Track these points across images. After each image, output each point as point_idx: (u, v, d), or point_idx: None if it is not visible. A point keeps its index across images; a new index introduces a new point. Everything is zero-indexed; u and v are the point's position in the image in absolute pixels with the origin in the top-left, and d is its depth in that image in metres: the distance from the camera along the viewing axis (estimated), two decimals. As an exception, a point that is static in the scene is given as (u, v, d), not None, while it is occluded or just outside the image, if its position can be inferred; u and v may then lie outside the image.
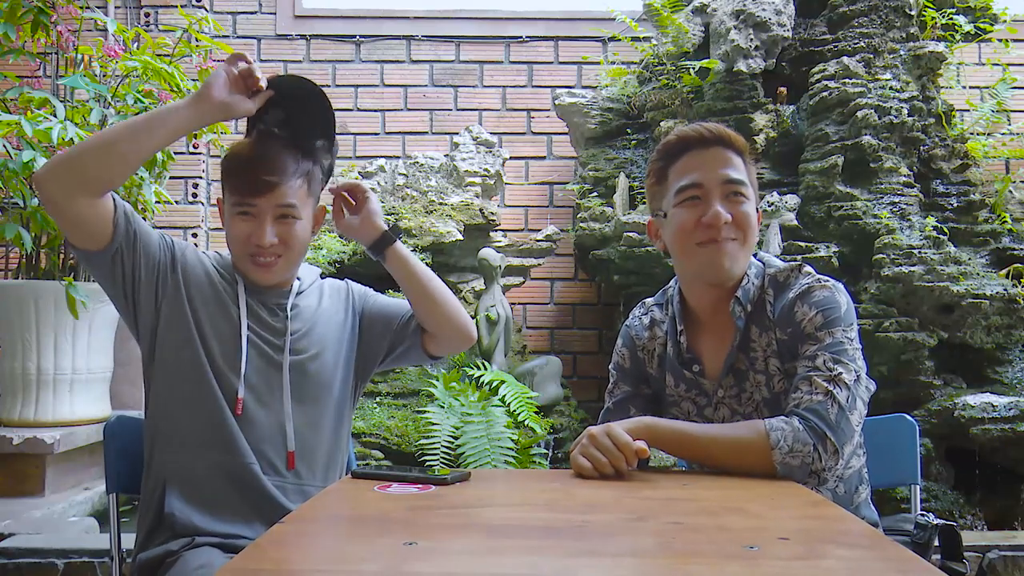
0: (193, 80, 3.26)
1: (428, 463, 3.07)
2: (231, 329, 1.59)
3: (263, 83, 1.49)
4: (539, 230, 4.19)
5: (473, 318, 3.66)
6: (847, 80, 3.55)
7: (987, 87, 4.31)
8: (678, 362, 1.54)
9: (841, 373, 1.34)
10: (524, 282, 4.17)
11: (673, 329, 1.55)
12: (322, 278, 1.78)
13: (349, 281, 1.80)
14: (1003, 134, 4.27)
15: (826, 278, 1.45)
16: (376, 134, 4.64)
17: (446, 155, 4.13)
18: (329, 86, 4.60)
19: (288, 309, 1.64)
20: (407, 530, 0.99)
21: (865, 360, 1.41)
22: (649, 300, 1.67)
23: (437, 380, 3.45)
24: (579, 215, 3.96)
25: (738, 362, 1.48)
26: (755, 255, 1.54)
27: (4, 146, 2.79)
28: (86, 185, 1.42)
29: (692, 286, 1.54)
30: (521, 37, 4.63)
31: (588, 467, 1.30)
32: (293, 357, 1.61)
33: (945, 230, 3.38)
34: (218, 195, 1.64)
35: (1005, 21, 3.97)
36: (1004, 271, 3.39)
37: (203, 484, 1.53)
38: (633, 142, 4.07)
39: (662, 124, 3.84)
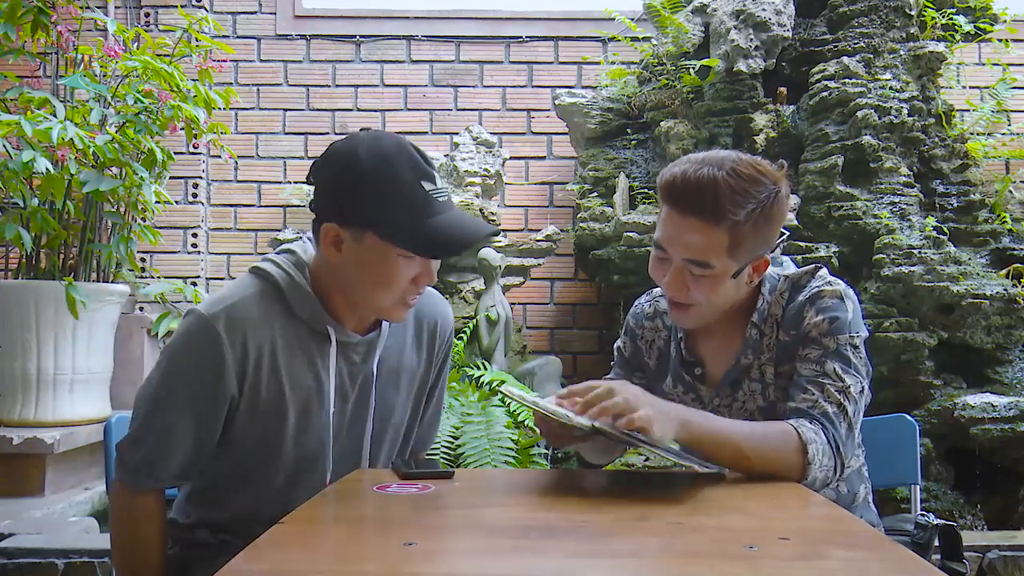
0: (193, 80, 3.26)
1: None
2: (314, 390, 1.37)
3: None
4: (539, 230, 4.18)
5: (473, 318, 3.71)
6: (847, 80, 3.55)
7: (987, 87, 4.31)
8: (679, 363, 1.53)
9: (850, 386, 1.34)
10: (524, 282, 4.16)
11: (675, 329, 1.54)
12: None
13: (440, 316, 1.56)
14: (1003, 134, 4.27)
15: (838, 281, 1.43)
16: (376, 134, 4.62)
17: (446, 155, 4.12)
18: (329, 86, 4.60)
19: (376, 357, 1.42)
20: (407, 530, 0.98)
21: (870, 362, 1.40)
22: (657, 290, 1.61)
23: (437, 380, 3.44)
24: (579, 215, 3.96)
25: (739, 373, 1.47)
26: (772, 260, 1.50)
27: (4, 146, 2.79)
28: None
29: None
30: (521, 37, 4.63)
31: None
32: (376, 420, 1.45)
33: (945, 230, 3.37)
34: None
35: (1005, 21, 3.96)
36: (1004, 271, 3.39)
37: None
38: (633, 142, 4.07)
39: (662, 124, 3.84)
